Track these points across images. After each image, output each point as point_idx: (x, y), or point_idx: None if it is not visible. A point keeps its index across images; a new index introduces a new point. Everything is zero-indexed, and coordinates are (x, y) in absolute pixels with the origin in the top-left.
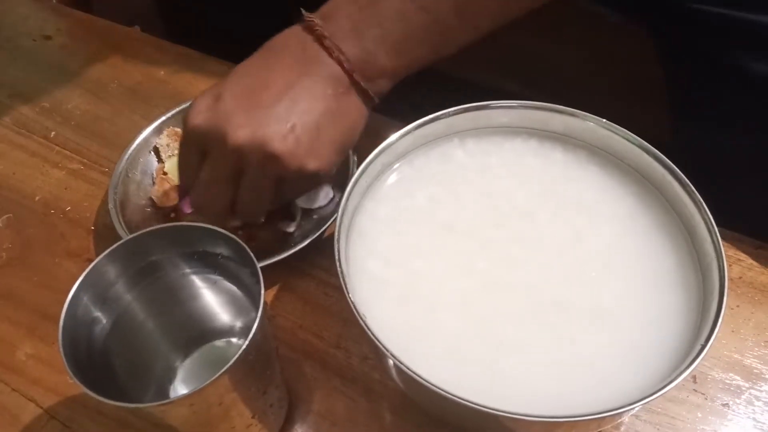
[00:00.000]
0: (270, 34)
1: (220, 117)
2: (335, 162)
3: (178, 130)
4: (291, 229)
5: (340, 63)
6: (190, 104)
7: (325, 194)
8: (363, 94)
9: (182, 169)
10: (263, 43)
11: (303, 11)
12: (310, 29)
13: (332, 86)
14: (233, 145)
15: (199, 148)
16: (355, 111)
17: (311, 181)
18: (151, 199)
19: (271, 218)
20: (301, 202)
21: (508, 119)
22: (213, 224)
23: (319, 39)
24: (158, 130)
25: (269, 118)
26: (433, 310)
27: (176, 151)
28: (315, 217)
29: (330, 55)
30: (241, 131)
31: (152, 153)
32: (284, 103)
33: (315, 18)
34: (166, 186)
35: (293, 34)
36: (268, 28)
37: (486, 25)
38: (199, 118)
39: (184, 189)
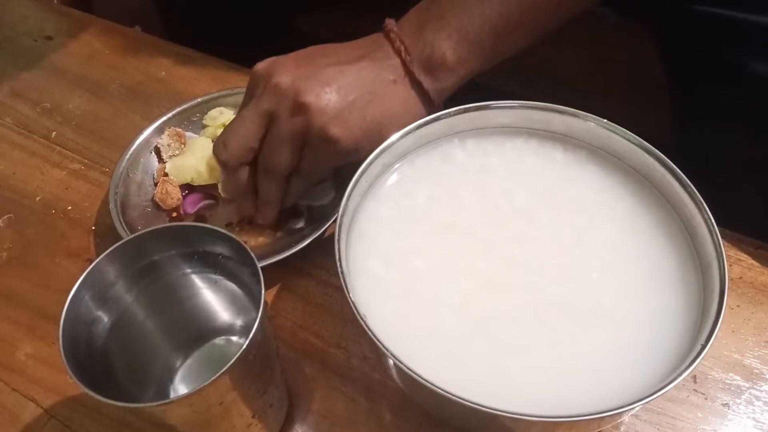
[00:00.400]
0: (270, 34)
1: (276, 64)
2: (360, 141)
3: (180, 130)
4: (299, 225)
5: (399, 53)
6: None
7: (327, 194)
8: (417, 87)
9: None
10: (263, 43)
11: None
12: (385, 30)
13: (384, 72)
14: (272, 85)
15: (251, 93)
16: (400, 101)
17: (331, 152)
18: (152, 199)
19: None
20: (306, 200)
21: (508, 119)
22: (238, 205)
23: (387, 33)
24: (159, 130)
25: (313, 74)
26: (433, 309)
27: (176, 152)
28: (316, 216)
29: (392, 45)
30: (285, 76)
31: (153, 153)
32: (333, 70)
33: (392, 20)
34: (168, 187)
35: (373, 35)
36: (267, 28)
37: (547, 23)
38: (261, 64)
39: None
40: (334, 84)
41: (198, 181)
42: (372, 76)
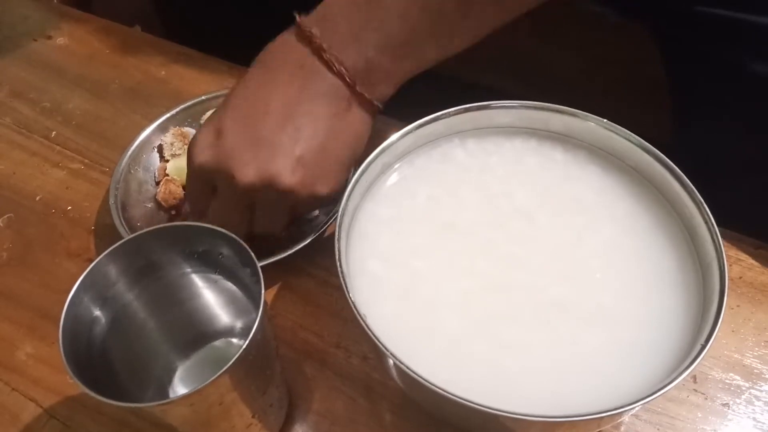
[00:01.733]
0: (270, 34)
1: (224, 154)
2: (343, 179)
3: (185, 130)
4: (314, 213)
5: (341, 76)
6: (191, 139)
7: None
8: (366, 104)
9: (192, 202)
10: (263, 43)
11: (297, 16)
12: (308, 40)
13: (334, 103)
14: (242, 185)
15: (208, 183)
16: (359, 124)
17: (324, 201)
18: (154, 197)
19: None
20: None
21: (508, 119)
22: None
23: (318, 51)
24: (162, 129)
25: (275, 152)
26: (433, 309)
27: (179, 151)
28: (317, 215)
29: (330, 69)
30: (248, 170)
31: (155, 150)
32: (287, 132)
33: (311, 24)
34: (171, 186)
35: (289, 45)
36: (267, 27)
37: (490, 22)
38: (203, 156)
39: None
40: (298, 148)
41: None
42: (324, 113)
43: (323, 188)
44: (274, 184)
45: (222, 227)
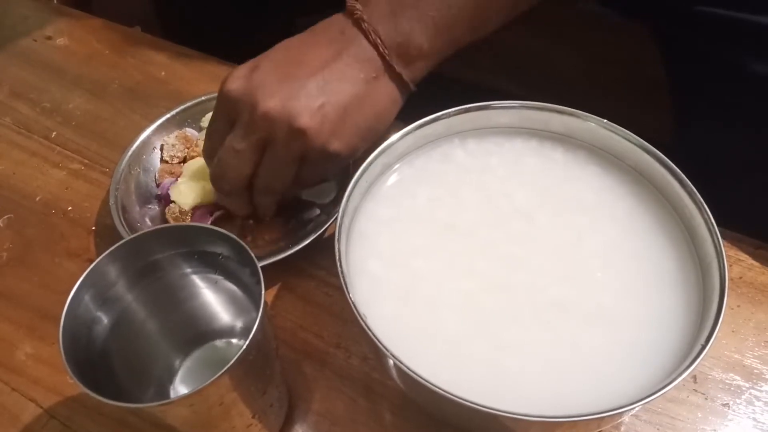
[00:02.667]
0: (269, 34)
1: (253, 84)
2: (359, 147)
3: (189, 134)
4: (328, 199)
5: (375, 46)
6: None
7: (330, 192)
8: (397, 79)
9: (209, 135)
10: (262, 43)
11: None
12: (350, 13)
13: (365, 70)
14: (262, 113)
15: (229, 115)
16: (386, 97)
17: (332, 163)
18: (153, 198)
19: (279, 214)
20: (310, 196)
21: (508, 120)
22: (228, 205)
23: (357, 22)
24: (163, 129)
25: (300, 92)
26: (433, 310)
27: (180, 154)
28: (318, 213)
29: (366, 37)
30: (271, 100)
31: (156, 151)
32: (316, 80)
33: (356, 2)
34: (176, 212)
35: (336, 18)
36: (267, 27)
37: (522, 4)
38: (234, 83)
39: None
40: (323, 96)
41: (205, 201)
42: (355, 77)
43: (336, 144)
44: (291, 120)
45: (229, 164)
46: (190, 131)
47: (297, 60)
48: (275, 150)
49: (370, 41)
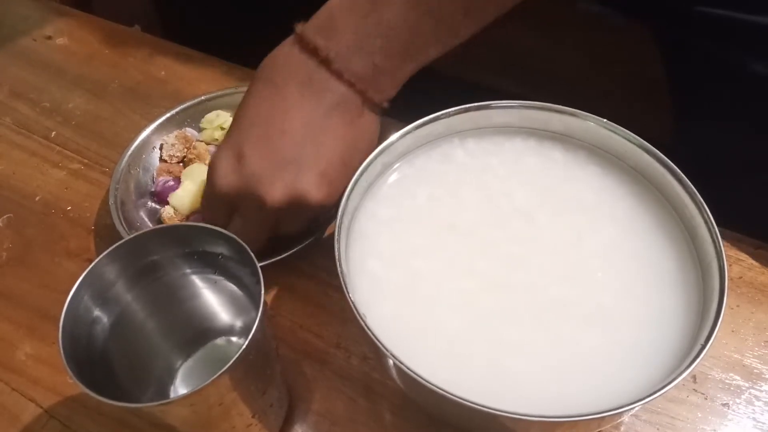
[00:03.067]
0: (269, 34)
1: (249, 178)
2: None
3: (188, 134)
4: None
5: (351, 85)
6: (210, 165)
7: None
8: (375, 107)
9: (212, 223)
10: (262, 43)
11: (296, 27)
12: (313, 52)
13: (347, 113)
14: (272, 206)
15: (228, 209)
16: (372, 126)
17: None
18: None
19: None
20: None
21: (508, 119)
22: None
23: (325, 63)
24: (162, 128)
25: (299, 170)
26: (433, 310)
27: (179, 153)
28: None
29: (339, 79)
30: (275, 191)
31: (155, 150)
32: (308, 150)
33: (313, 35)
34: (171, 213)
35: (293, 58)
36: (267, 27)
37: (491, 14)
38: (227, 181)
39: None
40: (322, 163)
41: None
42: (340, 125)
43: (335, 195)
44: (303, 202)
45: (246, 244)
46: (189, 131)
47: (278, 131)
48: (289, 222)
49: (344, 82)
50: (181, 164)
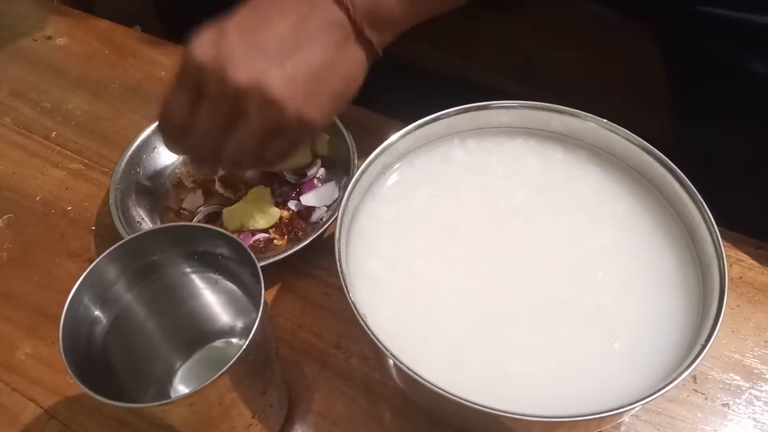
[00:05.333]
0: None
1: (222, 54)
2: (332, 113)
3: None
4: (320, 216)
5: (347, 11)
6: (193, 34)
7: (331, 193)
8: (366, 44)
9: (170, 105)
10: None
11: None
12: None
13: (335, 34)
14: (234, 86)
15: (195, 85)
16: (356, 62)
17: (305, 133)
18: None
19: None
20: (284, 167)
21: (508, 119)
22: (199, 170)
23: None
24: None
25: (271, 63)
26: (433, 310)
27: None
28: (322, 217)
29: (338, 3)
30: (243, 72)
31: (157, 149)
32: (286, 49)
33: None
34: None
35: None
36: None
37: None
38: (201, 51)
39: None
40: (295, 65)
41: (248, 226)
42: (324, 41)
43: (310, 112)
44: (264, 91)
45: (200, 138)
46: None
47: (264, 24)
48: (248, 123)
49: (340, 5)
50: (200, 187)
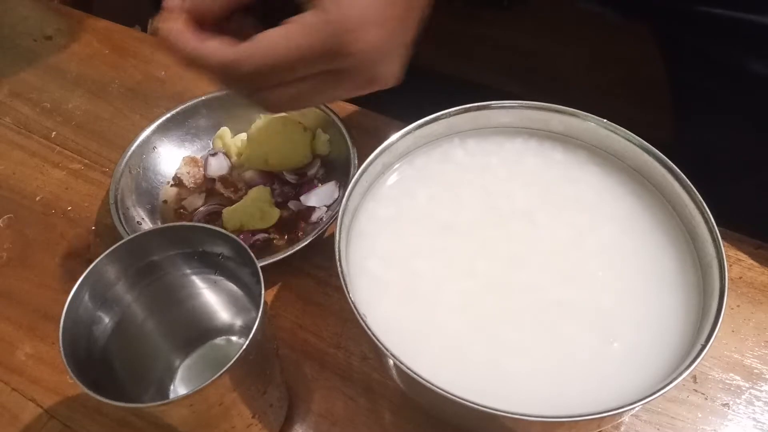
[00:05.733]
0: None
1: (382, 53)
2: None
3: (195, 157)
4: (320, 216)
5: None
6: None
7: (331, 193)
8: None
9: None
10: None
11: None
12: None
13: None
14: (357, 53)
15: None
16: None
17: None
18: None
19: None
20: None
21: (508, 119)
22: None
23: None
24: (163, 128)
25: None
26: (433, 310)
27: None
28: (321, 217)
29: None
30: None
31: (156, 149)
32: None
33: None
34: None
35: None
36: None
37: None
38: (370, 47)
39: None
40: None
41: (248, 226)
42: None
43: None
44: (382, 72)
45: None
46: (197, 158)
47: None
48: (345, 85)
49: None
50: (200, 187)
